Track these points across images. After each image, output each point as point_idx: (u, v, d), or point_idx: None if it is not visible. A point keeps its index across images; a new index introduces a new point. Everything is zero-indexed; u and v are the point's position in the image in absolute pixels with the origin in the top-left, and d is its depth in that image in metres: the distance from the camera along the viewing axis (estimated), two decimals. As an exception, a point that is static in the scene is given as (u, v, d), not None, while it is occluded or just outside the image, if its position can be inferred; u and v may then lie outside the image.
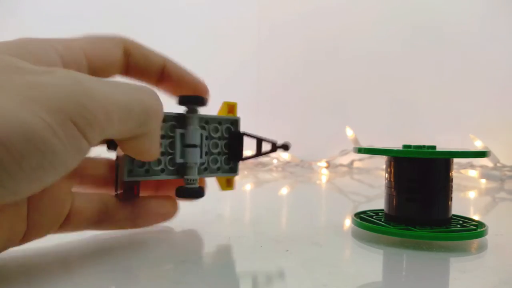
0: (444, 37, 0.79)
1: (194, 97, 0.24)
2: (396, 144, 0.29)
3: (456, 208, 0.26)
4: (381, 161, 0.70)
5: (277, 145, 0.26)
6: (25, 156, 0.13)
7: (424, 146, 0.24)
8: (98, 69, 0.21)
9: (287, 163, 0.79)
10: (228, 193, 0.26)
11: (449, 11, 0.79)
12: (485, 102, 0.76)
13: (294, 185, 0.58)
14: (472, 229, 0.24)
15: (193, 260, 0.20)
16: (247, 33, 0.89)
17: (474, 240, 0.24)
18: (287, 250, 0.22)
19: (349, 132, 0.73)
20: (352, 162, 0.77)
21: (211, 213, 0.33)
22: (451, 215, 0.25)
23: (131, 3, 0.91)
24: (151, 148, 0.20)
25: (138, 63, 0.23)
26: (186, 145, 0.24)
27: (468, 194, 0.50)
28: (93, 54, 0.20)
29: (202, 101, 0.24)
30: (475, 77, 0.77)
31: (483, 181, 0.61)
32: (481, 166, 0.65)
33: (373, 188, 0.56)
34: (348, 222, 0.30)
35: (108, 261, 0.20)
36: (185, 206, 0.26)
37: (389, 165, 0.26)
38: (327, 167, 0.75)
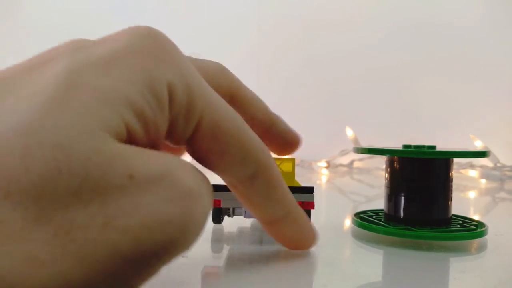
0: (445, 36, 0.79)
1: None
2: (396, 144, 0.29)
3: (456, 208, 0.26)
4: (381, 161, 0.70)
5: None
6: None
7: (424, 146, 0.24)
8: None
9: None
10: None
11: (450, 10, 0.79)
12: (485, 102, 0.76)
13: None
14: (472, 229, 0.24)
15: (192, 256, 0.20)
16: (247, 32, 0.89)
17: (474, 240, 0.24)
18: (287, 250, 0.22)
19: (349, 132, 0.73)
20: (352, 162, 0.77)
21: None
22: (451, 215, 0.25)
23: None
24: None
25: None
26: None
27: (468, 194, 0.50)
28: None
29: None
30: (475, 77, 0.77)
31: (483, 181, 0.61)
32: (481, 166, 0.64)
33: (373, 188, 0.56)
34: (348, 222, 0.30)
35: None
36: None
37: (389, 165, 0.26)
38: (327, 167, 0.75)
